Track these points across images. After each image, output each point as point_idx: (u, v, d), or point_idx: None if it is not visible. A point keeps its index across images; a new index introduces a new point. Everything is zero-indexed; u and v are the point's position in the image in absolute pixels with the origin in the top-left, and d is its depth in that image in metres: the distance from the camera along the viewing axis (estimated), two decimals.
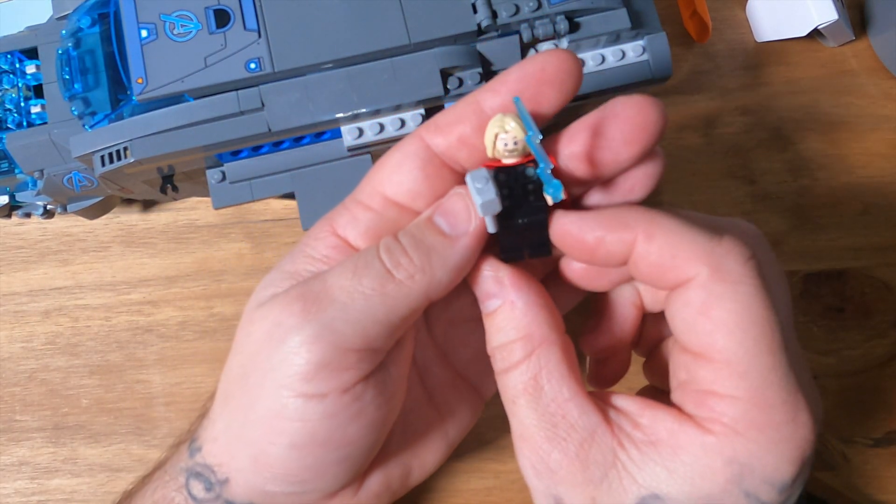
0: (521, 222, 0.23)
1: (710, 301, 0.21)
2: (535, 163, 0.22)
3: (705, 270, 0.21)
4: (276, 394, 0.23)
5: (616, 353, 0.28)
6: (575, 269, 0.25)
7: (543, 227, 0.24)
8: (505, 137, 0.22)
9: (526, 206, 0.23)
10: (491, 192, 0.22)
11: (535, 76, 0.23)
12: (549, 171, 0.22)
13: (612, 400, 0.23)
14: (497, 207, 0.22)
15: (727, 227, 0.23)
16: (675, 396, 0.23)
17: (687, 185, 0.40)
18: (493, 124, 0.22)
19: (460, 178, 0.25)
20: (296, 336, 0.23)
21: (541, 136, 0.22)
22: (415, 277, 0.23)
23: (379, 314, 0.23)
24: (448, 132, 0.24)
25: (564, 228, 0.23)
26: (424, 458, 0.29)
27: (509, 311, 0.24)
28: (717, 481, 0.21)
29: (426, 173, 0.24)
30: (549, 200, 0.22)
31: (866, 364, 0.37)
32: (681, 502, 0.21)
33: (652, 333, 0.28)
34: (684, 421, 0.22)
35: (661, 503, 0.22)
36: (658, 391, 0.28)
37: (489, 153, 0.23)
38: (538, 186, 0.23)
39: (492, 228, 0.23)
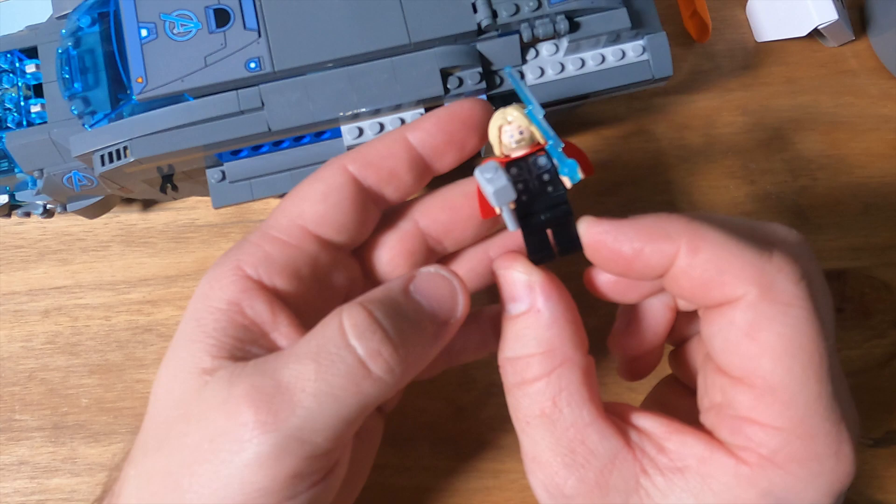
0: (544, 218, 0.22)
1: (758, 323, 0.20)
2: (545, 151, 0.21)
3: (754, 290, 0.20)
4: None
5: (648, 353, 0.26)
6: (604, 281, 0.24)
7: (568, 218, 0.22)
8: (509, 129, 0.21)
9: (545, 199, 0.22)
10: (502, 179, 0.20)
11: (456, 115, 0.23)
12: (560, 149, 0.20)
13: (633, 419, 0.22)
14: (511, 194, 0.21)
15: (771, 236, 0.22)
16: (708, 419, 0.22)
17: (687, 185, 0.40)
18: (495, 119, 0.22)
19: (381, 213, 0.24)
20: (251, 450, 0.19)
21: (543, 111, 0.21)
22: (394, 371, 0.20)
23: (352, 414, 0.20)
24: (379, 166, 0.23)
25: (597, 238, 0.21)
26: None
27: (533, 319, 0.22)
28: None
29: (355, 206, 0.23)
30: (567, 183, 0.21)
31: (866, 364, 0.37)
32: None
33: (681, 327, 0.26)
34: (716, 448, 0.20)
35: None
36: (681, 386, 0.27)
37: (496, 151, 0.22)
38: (554, 175, 0.22)
39: (512, 226, 0.22)
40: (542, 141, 0.21)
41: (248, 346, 0.22)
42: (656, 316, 0.24)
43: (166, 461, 0.21)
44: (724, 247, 0.20)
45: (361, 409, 0.20)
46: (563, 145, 0.21)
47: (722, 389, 0.21)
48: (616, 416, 0.22)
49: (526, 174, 0.22)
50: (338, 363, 0.20)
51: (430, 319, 0.22)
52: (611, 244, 0.21)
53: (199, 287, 0.23)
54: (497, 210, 0.21)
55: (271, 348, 0.22)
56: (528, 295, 0.22)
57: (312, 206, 0.23)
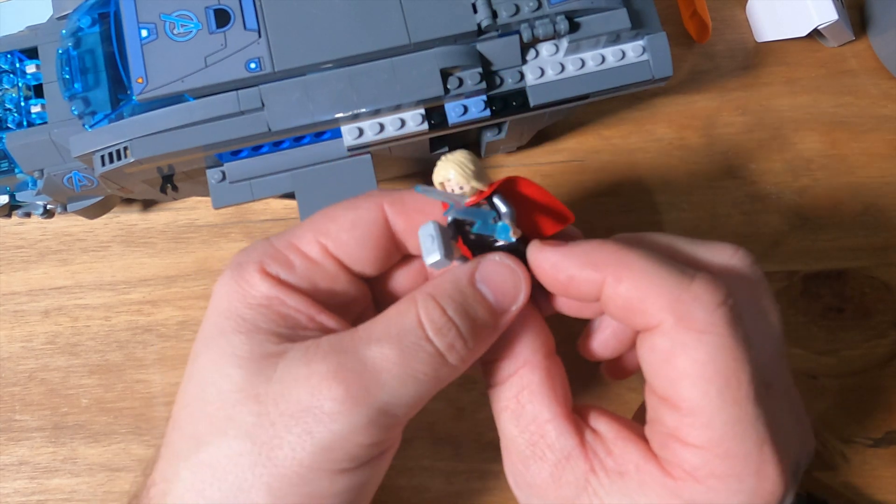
0: (496, 248, 0.24)
1: (674, 350, 0.21)
2: (489, 201, 0.23)
3: (670, 318, 0.21)
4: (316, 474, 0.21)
5: (618, 358, 0.27)
6: (558, 300, 0.25)
7: (517, 254, 0.24)
8: (450, 185, 0.23)
9: (492, 243, 0.24)
10: (437, 253, 0.22)
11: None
12: (489, 223, 0.22)
13: (591, 421, 0.24)
14: (446, 264, 0.22)
15: (707, 260, 0.23)
16: (647, 431, 0.23)
17: (687, 185, 0.40)
18: (437, 173, 0.23)
19: (401, 254, 0.25)
20: (344, 422, 0.21)
21: (465, 199, 0.22)
22: (465, 360, 0.23)
23: (427, 394, 0.22)
24: (413, 217, 0.24)
25: (537, 264, 0.23)
26: None
27: (495, 329, 0.24)
28: None
29: (379, 245, 0.24)
30: (503, 243, 0.23)
31: (866, 364, 0.37)
32: None
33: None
34: (650, 459, 0.22)
35: None
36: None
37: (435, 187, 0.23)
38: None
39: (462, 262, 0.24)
40: (485, 191, 0.23)
41: (301, 331, 0.23)
42: (614, 328, 0.26)
43: (237, 444, 0.21)
44: (646, 276, 0.22)
45: (434, 391, 0.22)
46: (493, 216, 0.22)
47: (653, 407, 0.23)
48: (579, 417, 0.24)
49: (488, 242, 0.23)
50: (419, 352, 0.22)
51: (494, 310, 0.23)
52: (548, 271, 0.23)
53: (221, 287, 0.24)
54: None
55: (324, 330, 0.23)
56: (511, 300, 0.24)
57: (339, 231, 0.24)
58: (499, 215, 0.23)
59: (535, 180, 0.40)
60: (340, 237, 0.24)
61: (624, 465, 0.22)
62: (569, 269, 0.23)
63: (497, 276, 0.23)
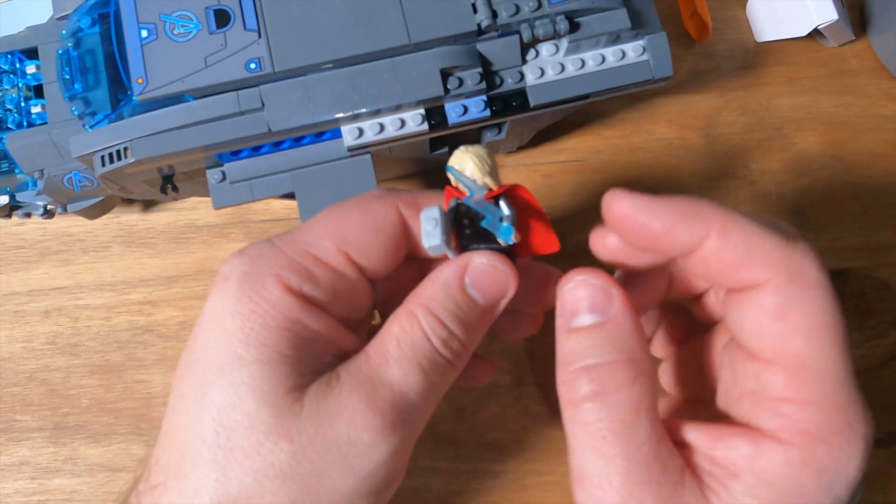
0: (483, 246, 0.23)
1: (787, 305, 0.21)
2: (495, 200, 0.23)
3: (782, 274, 0.21)
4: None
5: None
6: (611, 245, 0.24)
7: (507, 253, 0.23)
8: (470, 179, 0.22)
9: (486, 239, 0.23)
10: (437, 238, 0.22)
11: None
12: (497, 221, 0.22)
13: (683, 434, 0.22)
14: (444, 250, 0.22)
15: (787, 229, 0.23)
16: (742, 408, 0.22)
17: (687, 185, 0.40)
18: (455, 161, 0.23)
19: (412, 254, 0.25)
20: (385, 448, 0.21)
21: (484, 191, 0.22)
22: (465, 362, 0.23)
23: (439, 401, 0.23)
24: None
25: (629, 211, 0.22)
26: None
27: (615, 327, 0.22)
28: (808, 494, 0.20)
29: (397, 248, 0.24)
30: (502, 243, 0.23)
31: (866, 364, 0.37)
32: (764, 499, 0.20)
33: (685, 326, 0.27)
34: (760, 440, 0.21)
35: None
36: (688, 401, 0.27)
37: (453, 184, 0.23)
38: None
39: (452, 256, 0.23)
40: (494, 190, 0.23)
41: (324, 357, 0.23)
42: (655, 281, 0.25)
43: (271, 484, 0.21)
44: (754, 233, 0.21)
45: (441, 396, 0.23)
46: (501, 215, 0.22)
47: (755, 375, 0.22)
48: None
49: (473, 213, 0.23)
50: (435, 365, 0.22)
51: (484, 311, 0.23)
52: (642, 219, 0.22)
53: (230, 300, 0.22)
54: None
55: (344, 353, 0.23)
56: (607, 304, 0.22)
57: (360, 237, 0.23)
58: (503, 217, 0.23)
59: (535, 180, 0.40)
60: (362, 244, 0.23)
61: (734, 464, 0.21)
62: (668, 218, 0.22)
63: (486, 278, 0.23)
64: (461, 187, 0.23)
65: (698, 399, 0.26)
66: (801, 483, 0.20)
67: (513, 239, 0.22)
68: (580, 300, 0.22)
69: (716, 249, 0.21)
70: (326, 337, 0.23)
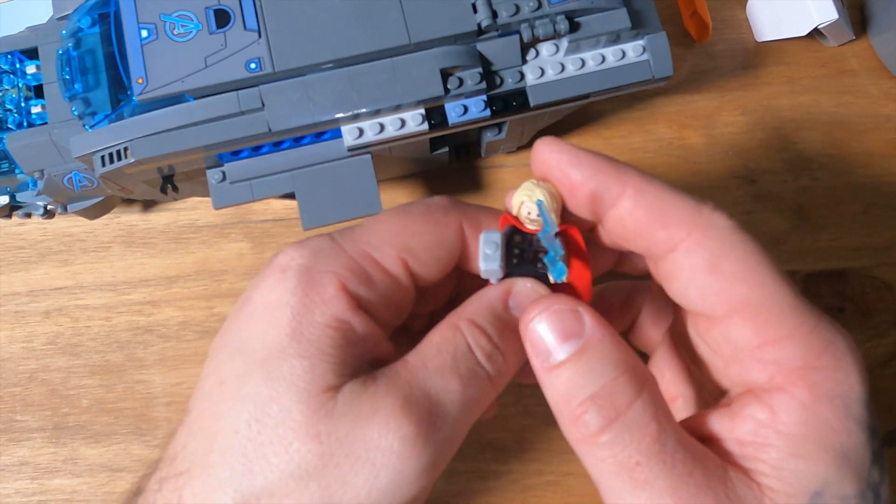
0: (523, 274, 0.23)
1: (714, 257, 0.21)
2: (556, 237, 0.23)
3: (698, 230, 0.21)
4: None
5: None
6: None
7: (546, 283, 0.23)
8: (530, 207, 0.23)
9: (531, 270, 0.23)
10: (495, 262, 0.22)
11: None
12: (557, 259, 0.22)
13: (703, 429, 0.21)
14: (499, 275, 0.23)
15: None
16: (733, 375, 0.22)
17: (687, 185, 0.40)
18: (522, 192, 0.23)
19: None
20: (413, 464, 0.21)
21: (557, 229, 0.22)
22: (506, 380, 0.23)
23: (477, 417, 0.22)
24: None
25: (550, 156, 0.22)
26: None
27: (599, 347, 0.21)
28: (833, 426, 0.20)
29: (452, 262, 0.24)
30: (551, 279, 0.23)
31: (867, 364, 0.37)
32: (825, 473, 0.19)
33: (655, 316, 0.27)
34: (767, 399, 0.20)
35: (821, 498, 0.19)
36: (686, 396, 0.27)
37: (513, 212, 0.23)
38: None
39: (494, 282, 0.24)
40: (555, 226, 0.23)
41: (361, 362, 0.22)
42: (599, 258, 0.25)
43: (295, 484, 0.20)
44: (666, 193, 0.21)
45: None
46: (562, 254, 0.22)
47: (723, 337, 0.21)
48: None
49: (526, 245, 0.23)
50: (476, 380, 0.22)
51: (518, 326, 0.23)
52: (564, 168, 0.22)
53: (284, 293, 0.22)
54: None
55: (379, 360, 0.23)
56: (579, 325, 0.21)
57: (422, 249, 0.23)
58: (561, 255, 0.23)
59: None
60: (423, 254, 0.23)
61: (761, 434, 0.20)
62: (587, 169, 0.22)
63: (528, 302, 0.23)
64: (524, 216, 0.23)
65: (698, 387, 0.26)
66: (823, 419, 0.20)
67: (566, 279, 0.22)
68: (549, 333, 0.21)
69: (630, 208, 0.21)
70: (368, 342, 0.22)
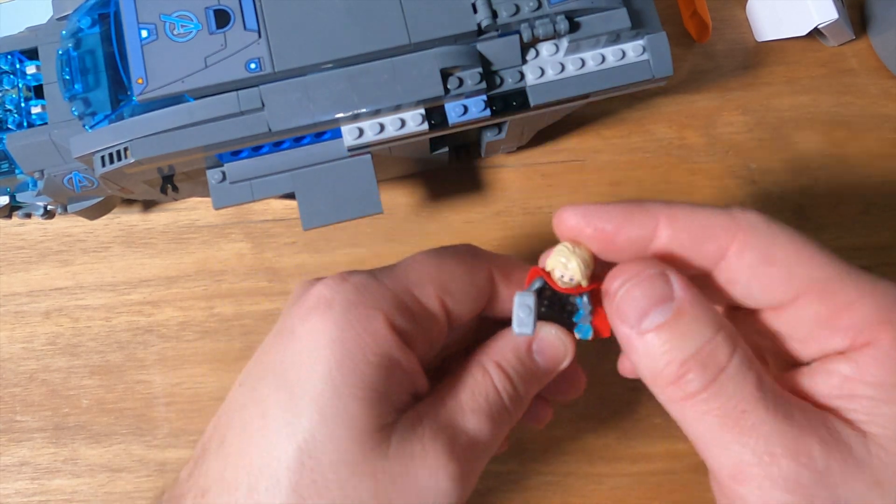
0: (549, 318, 0.25)
1: (766, 251, 0.21)
2: (581, 296, 0.24)
3: (741, 233, 0.21)
4: None
5: None
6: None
7: (569, 328, 0.25)
8: (563, 272, 0.23)
9: (558, 319, 0.25)
10: (529, 326, 0.24)
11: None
12: (587, 321, 0.24)
13: (795, 386, 0.22)
14: (529, 335, 0.24)
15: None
16: (815, 349, 0.22)
17: (687, 185, 0.40)
18: (558, 255, 0.23)
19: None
20: (455, 498, 0.22)
21: (587, 294, 0.24)
22: (522, 413, 0.25)
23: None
24: (512, 288, 0.26)
25: (581, 219, 0.23)
26: None
27: (691, 310, 0.21)
28: None
29: (482, 302, 0.25)
30: (576, 336, 0.25)
31: None
32: None
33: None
34: (849, 354, 0.21)
35: None
36: None
37: (546, 268, 0.24)
38: (575, 310, 0.25)
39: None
40: (584, 287, 0.24)
41: (406, 397, 0.23)
42: None
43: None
44: (695, 211, 0.22)
45: None
46: (590, 311, 0.24)
47: (797, 321, 0.22)
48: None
49: (556, 301, 0.24)
50: (503, 421, 0.24)
51: (543, 376, 0.25)
52: (595, 223, 0.22)
53: (333, 328, 0.22)
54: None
55: (419, 393, 0.24)
56: (670, 290, 0.21)
57: (459, 288, 0.25)
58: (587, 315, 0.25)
59: (535, 180, 0.40)
60: (458, 295, 0.25)
61: (843, 388, 0.20)
62: (616, 217, 0.22)
63: (550, 348, 0.25)
64: (557, 278, 0.24)
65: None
66: None
67: (591, 338, 0.24)
68: (641, 299, 0.21)
69: (671, 236, 0.22)
70: (411, 376, 0.23)
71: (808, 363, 0.23)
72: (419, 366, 0.24)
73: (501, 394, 0.24)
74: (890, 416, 0.20)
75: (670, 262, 0.22)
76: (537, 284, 0.24)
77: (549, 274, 0.24)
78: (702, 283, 0.24)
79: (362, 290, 0.23)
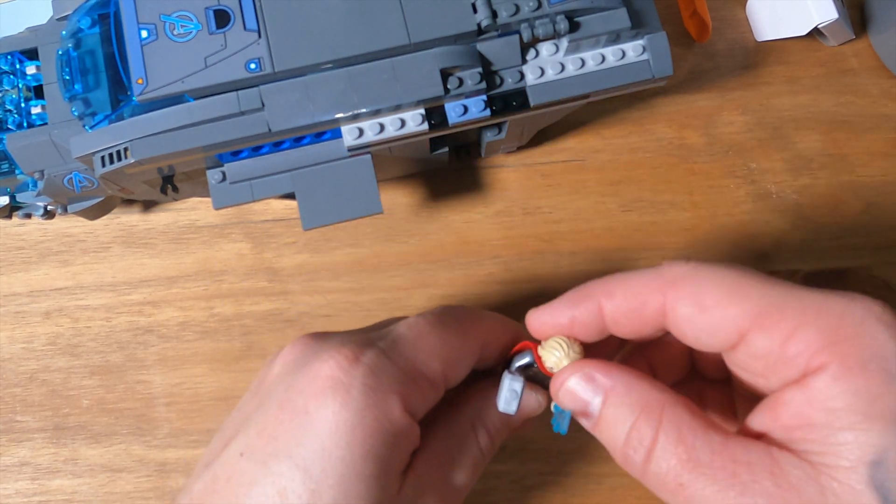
0: (532, 380, 0.27)
1: (697, 301, 0.22)
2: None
3: (670, 289, 0.23)
4: None
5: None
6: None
7: (544, 381, 0.26)
8: (553, 363, 0.25)
9: (540, 380, 0.27)
10: (513, 406, 0.26)
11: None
12: (567, 417, 0.25)
13: (753, 427, 0.22)
14: (512, 414, 0.26)
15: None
16: (776, 381, 0.22)
17: (687, 185, 0.40)
18: (551, 351, 0.25)
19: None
20: None
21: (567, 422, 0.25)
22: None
23: None
24: (494, 350, 0.28)
25: (540, 322, 0.25)
26: None
27: (615, 398, 0.23)
28: (873, 391, 0.20)
29: (474, 364, 0.27)
30: (552, 425, 0.26)
31: None
32: (880, 441, 0.19)
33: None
34: (801, 381, 0.20)
35: (882, 466, 0.19)
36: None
37: (539, 352, 0.25)
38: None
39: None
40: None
41: (407, 459, 0.25)
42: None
43: None
44: (628, 281, 0.24)
45: None
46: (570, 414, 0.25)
47: (751, 358, 0.22)
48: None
49: (541, 377, 0.26)
50: (480, 469, 0.27)
51: (517, 427, 0.28)
52: (555, 320, 0.25)
53: (348, 412, 0.23)
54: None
55: (414, 450, 0.26)
56: (595, 387, 0.23)
57: (459, 360, 0.26)
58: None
59: (535, 180, 0.40)
60: (457, 365, 0.26)
61: (799, 416, 0.20)
62: (567, 310, 0.25)
63: (527, 408, 0.27)
64: (549, 367, 0.25)
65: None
66: (862, 387, 0.20)
67: (565, 431, 0.25)
68: (572, 405, 0.24)
69: (613, 311, 0.24)
70: (413, 441, 0.25)
71: None
72: (418, 428, 0.25)
73: (484, 451, 0.27)
74: (844, 445, 0.19)
75: (624, 331, 0.24)
76: (527, 359, 0.26)
77: (537, 347, 0.25)
78: (662, 339, 0.26)
79: (378, 373, 0.24)
